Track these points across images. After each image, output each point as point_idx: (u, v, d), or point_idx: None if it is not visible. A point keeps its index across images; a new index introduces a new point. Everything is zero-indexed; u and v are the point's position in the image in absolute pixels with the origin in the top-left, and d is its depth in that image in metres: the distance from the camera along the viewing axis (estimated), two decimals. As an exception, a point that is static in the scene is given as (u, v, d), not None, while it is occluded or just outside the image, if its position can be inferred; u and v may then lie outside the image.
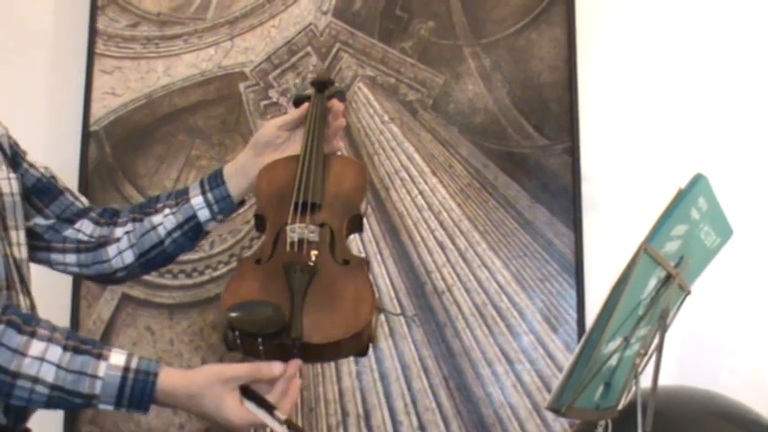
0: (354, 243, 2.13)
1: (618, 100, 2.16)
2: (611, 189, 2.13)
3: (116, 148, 2.26)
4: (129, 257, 1.55)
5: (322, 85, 1.63)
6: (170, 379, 1.25)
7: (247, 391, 1.26)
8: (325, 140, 1.55)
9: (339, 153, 1.61)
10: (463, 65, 2.20)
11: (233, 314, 1.27)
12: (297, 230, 1.38)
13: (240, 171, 1.55)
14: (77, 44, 2.30)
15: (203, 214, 1.54)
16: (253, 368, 1.26)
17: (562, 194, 2.12)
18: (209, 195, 1.55)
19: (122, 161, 2.26)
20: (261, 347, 1.26)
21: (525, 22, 2.19)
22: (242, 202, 1.59)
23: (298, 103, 1.62)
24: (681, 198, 1.21)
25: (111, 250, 1.55)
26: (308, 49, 2.24)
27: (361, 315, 1.30)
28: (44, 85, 2.32)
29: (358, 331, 1.29)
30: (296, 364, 1.28)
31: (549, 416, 2.04)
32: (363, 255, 2.12)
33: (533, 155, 2.14)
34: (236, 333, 1.26)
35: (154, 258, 1.56)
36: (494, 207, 2.13)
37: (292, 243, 1.37)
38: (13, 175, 1.42)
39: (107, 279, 1.60)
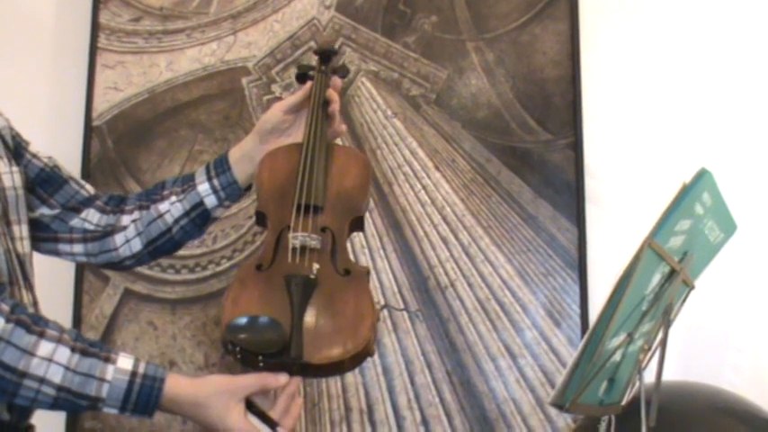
0: (357, 239, 2.12)
1: (621, 95, 2.16)
2: (614, 184, 2.13)
3: (118, 142, 2.26)
4: (136, 246, 1.54)
5: (326, 54, 1.59)
6: (176, 385, 1.25)
7: (251, 405, 1.26)
8: (329, 124, 1.53)
9: (339, 142, 1.59)
10: (466, 59, 2.19)
11: (234, 331, 1.26)
12: (299, 238, 1.36)
13: (246, 157, 1.54)
14: (80, 39, 2.30)
15: (210, 201, 1.53)
16: (259, 379, 1.27)
17: (565, 189, 2.11)
18: (216, 182, 1.53)
19: (125, 156, 2.26)
20: (261, 364, 1.26)
21: (529, 17, 2.19)
22: (249, 187, 1.56)
23: (301, 78, 1.59)
24: (685, 193, 1.21)
25: (119, 239, 1.53)
26: (311, 43, 2.23)
27: (360, 336, 1.29)
28: (46, 79, 2.32)
29: (357, 352, 1.29)
30: (296, 381, 1.29)
31: (553, 411, 2.04)
32: (366, 250, 2.12)
33: (537, 150, 2.14)
34: (237, 348, 1.26)
35: (162, 246, 1.55)
36: (497, 202, 2.13)
37: (294, 249, 1.36)
38: (15, 169, 1.41)
39: (116, 267, 1.59)
